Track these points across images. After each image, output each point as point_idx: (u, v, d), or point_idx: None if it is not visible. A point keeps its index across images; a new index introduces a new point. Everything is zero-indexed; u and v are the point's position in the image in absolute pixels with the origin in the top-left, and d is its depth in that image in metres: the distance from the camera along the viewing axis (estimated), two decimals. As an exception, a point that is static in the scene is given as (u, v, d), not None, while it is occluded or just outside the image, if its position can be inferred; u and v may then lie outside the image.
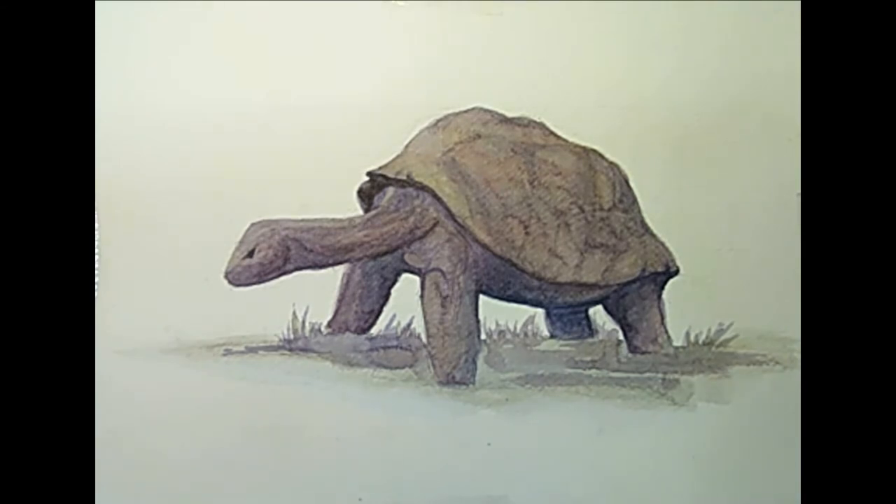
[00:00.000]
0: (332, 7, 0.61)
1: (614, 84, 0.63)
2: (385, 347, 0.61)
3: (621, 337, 0.64)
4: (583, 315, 0.65)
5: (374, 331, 0.61)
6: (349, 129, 0.61)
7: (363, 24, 0.61)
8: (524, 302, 0.62)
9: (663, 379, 0.60)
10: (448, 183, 0.60)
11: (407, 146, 0.61)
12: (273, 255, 0.58)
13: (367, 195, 0.62)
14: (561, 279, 0.60)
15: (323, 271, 0.60)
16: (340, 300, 0.61)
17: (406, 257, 0.61)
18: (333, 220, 0.59)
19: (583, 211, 0.61)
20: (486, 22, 0.62)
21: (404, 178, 0.60)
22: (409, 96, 0.61)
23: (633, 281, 0.62)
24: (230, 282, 0.58)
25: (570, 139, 0.62)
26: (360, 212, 0.62)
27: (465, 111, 0.62)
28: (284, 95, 0.60)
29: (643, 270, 0.62)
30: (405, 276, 0.62)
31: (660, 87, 0.62)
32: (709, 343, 0.62)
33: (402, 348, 0.61)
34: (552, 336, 0.64)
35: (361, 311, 0.62)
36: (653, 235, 0.63)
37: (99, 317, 0.57)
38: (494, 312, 0.61)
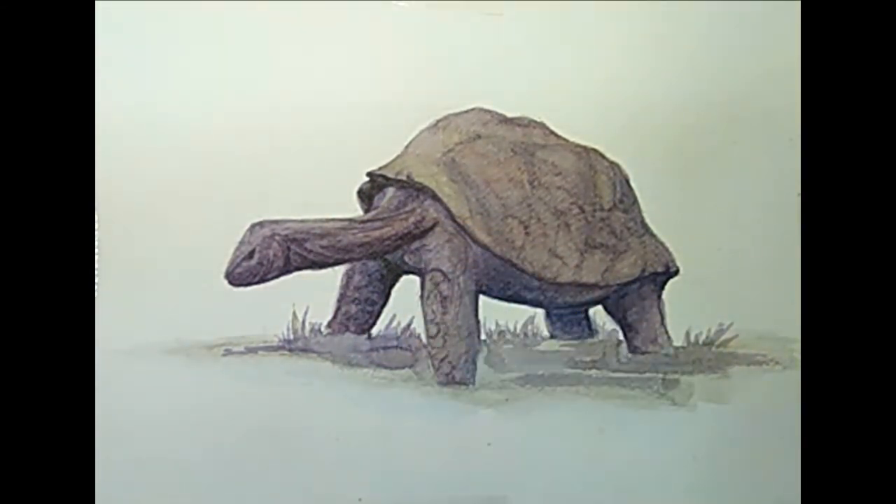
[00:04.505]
0: (332, 7, 0.61)
1: (614, 84, 0.63)
2: (385, 347, 0.61)
3: (621, 337, 0.64)
4: (583, 315, 0.65)
5: (374, 331, 0.62)
6: (349, 129, 0.61)
7: (363, 24, 0.61)
8: (524, 302, 0.62)
9: (663, 379, 0.60)
10: (448, 183, 0.60)
11: (407, 146, 0.61)
12: (273, 255, 0.58)
13: (367, 195, 0.62)
14: (561, 279, 0.60)
15: (323, 271, 0.60)
16: (340, 300, 0.61)
17: (406, 257, 0.61)
18: (333, 220, 0.59)
19: (583, 211, 0.61)
20: (486, 22, 0.62)
21: (404, 178, 0.60)
22: (409, 96, 0.61)
23: (633, 281, 0.62)
24: (230, 282, 0.58)
25: (571, 139, 0.62)
26: (360, 212, 0.62)
27: (466, 111, 0.62)
28: (284, 96, 0.60)
29: (643, 271, 0.62)
30: (405, 275, 0.62)
31: (660, 87, 0.63)
32: (709, 343, 0.62)
33: (402, 348, 0.61)
34: (552, 336, 0.64)
35: (361, 312, 0.62)
36: (653, 236, 0.63)
37: (99, 317, 0.57)
38: (494, 312, 0.61)
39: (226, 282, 0.58)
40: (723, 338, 0.62)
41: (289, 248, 0.58)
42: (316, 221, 0.59)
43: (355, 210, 0.61)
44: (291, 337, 0.59)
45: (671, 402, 0.59)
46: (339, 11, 0.61)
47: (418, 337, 0.60)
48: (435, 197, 0.60)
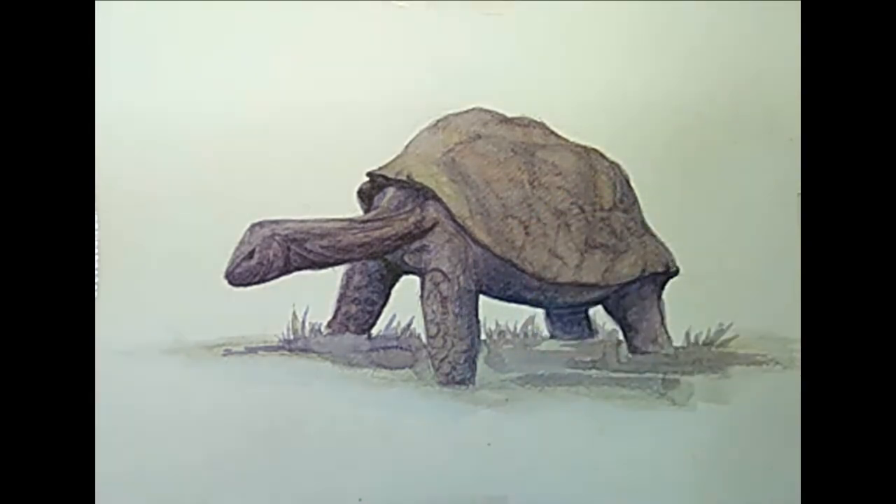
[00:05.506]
0: (333, 8, 0.61)
1: (614, 84, 0.63)
2: (385, 347, 0.61)
3: (621, 337, 0.64)
4: (583, 315, 0.65)
5: (374, 331, 0.62)
6: (349, 129, 0.61)
7: (363, 24, 0.61)
8: (524, 302, 0.62)
9: (663, 379, 0.60)
10: (448, 183, 0.60)
11: (407, 146, 0.61)
12: (273, 255, 0.58)
13: (367, 195, 0.62)
14: (561, 279, 0.60)
15: (323, 271, 0.60)
16: (340, 300, 0.61)
17: (406, 257, 0.61)
18: (333, 220, 0.59)
19: (583, 211, 0.61)
20: (486, 22, 0.62)
21: (404, 178, 0.60)
22: (409, 96, 0.61)
23: (633, 281, 0.62)
24: (230, 282, 0.58)
25: (571, 139, 0.62)
26: (360, 212, 0.62)
27: (465, 112, 0.62)
28: (284, 96, 0.60)
29: (643, 271, 0.62)
30: (405, 275, 0.62)
31: (660, 87, 0.63)
32: (709, 343, 0.62)
33: (402, 348, 0.61)
34: (552, 336, 0.64)
35: (361, 312, 0.62)
36: (653, 236, 0.63)
37: (99, 317, 0.57)
38: (494, 312, 0.61)
39: (226, 282, 0.58)
40: (723, 338, 0.62)
41: (289, 248, 0.58)
42: (316, 221, 0.59)
43: (355, 210, 0.61)
44: (291, 337, 0.59)
45: (671, 402, 0.59)
46: (339, 12, 0.61)
47: (418, 337, 0.60)
48: (435, 197, 0.60)
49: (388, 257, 0.61)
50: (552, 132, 0.62)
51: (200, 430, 0.58)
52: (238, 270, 0.58)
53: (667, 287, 0.63)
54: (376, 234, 0.60)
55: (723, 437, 0.58)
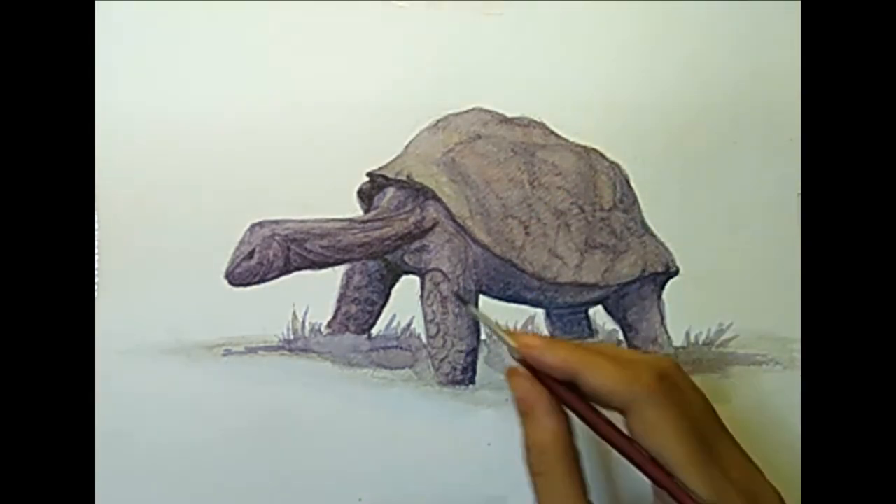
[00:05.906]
0: (333, 7, 0.61)
1: (614, 84, 0.63)
2: (385, 347, 0.61)
3: (621, 337, 0.64)
4: (583, 315, 0.65)
5: (374, 331, 0.61)
6: (349, 129, 0.61)
7: (363, 24, 0.61)
8: (524, 302, 0.62)
9: (663, 379, 0.60)
10: (448, 183, 0.60)
11: (407, 147, 0.61)
12: (273, 255, 0.58)
13: (367, 195, 0.62)
14: (561, 279, 0.60)
15: (323, 271, 0.60)
16: (340, 300, 0.61)
17: (406, 257, 0.61)
18: (333, 220, 0.59)
19: (583, 211, 0.61)
20: (486, 22, 0.62)
21: (404, 178, 0.60)
22: (409, 97, 0.61)
23: (633, 281, 0.62)
24: (230, 282, 0.58)
25: (571, 139, 0.62)
26: (360, 212, 0.62)
27: (465, 111, 0.62)
28: (284, 95, 0.60)
29: (643, 271, 0.62)
30: (405, 275, 0.62)
31: (660, 87, 0.63)
32: (709, 343, 0.62)
33: (402, 348, 0.61)
34: (552, 336, 0.64)
35: (361, 312, 0.61)
36: (653, 235, 0.63)
37: (99, 317, 0.57)
38: (494, 312, 0.61)
39: (226, 282, 0.58)
40: (723, 338, 0.62)
41: (289, 248, 0.58)
42: (316, 221, 0.59)
43: (355, 210, 0.61)
44: (291, 337, 0.59)
45: (671, 402, 0.59)
46: (339, 11, 0.61)
47: (418, 337, 0.60)
48: (435, 197, 0.60)
49: (388, 257, 0.61)
50: (552, 132, 0.62)
51: (200, 429, 0.57)
52: (238, 270, 0.58)
53: (667, 287, 0.63)
54: (376, 234, 0.60)
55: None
